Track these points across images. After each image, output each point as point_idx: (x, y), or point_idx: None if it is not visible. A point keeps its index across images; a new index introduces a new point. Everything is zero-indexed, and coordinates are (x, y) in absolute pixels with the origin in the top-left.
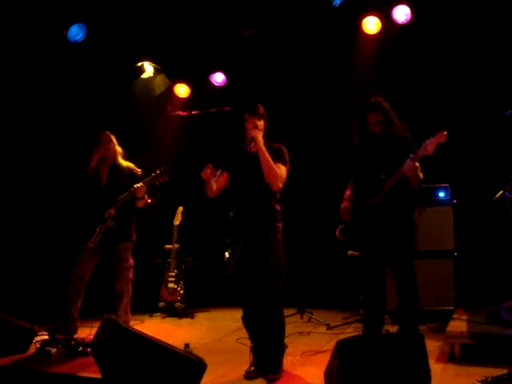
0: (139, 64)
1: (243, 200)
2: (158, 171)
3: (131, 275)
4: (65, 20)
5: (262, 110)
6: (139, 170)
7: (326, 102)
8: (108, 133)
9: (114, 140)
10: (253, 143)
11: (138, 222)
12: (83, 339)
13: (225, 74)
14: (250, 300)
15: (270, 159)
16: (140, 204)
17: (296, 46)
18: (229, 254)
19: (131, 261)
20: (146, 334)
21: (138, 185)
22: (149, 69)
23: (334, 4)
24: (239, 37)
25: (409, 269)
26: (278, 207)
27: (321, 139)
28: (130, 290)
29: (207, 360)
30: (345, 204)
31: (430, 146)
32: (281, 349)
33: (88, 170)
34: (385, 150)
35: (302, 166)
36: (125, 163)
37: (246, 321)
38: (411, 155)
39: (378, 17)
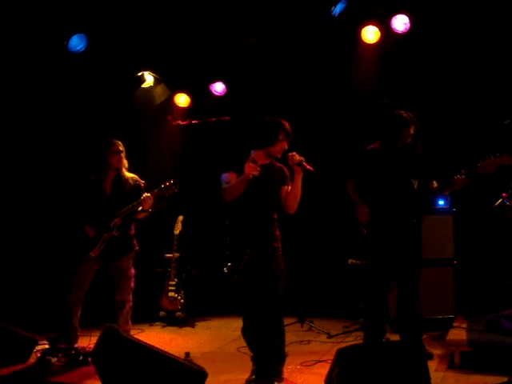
0: (139, 74)
1: (251, 209)
2: (168, 183)
3: (132, 284)
4: (66, 30)
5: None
6: (143, 181)
7: (325, 111)
8: (121, 143)
9: (124, 151)
10: (300, 169)
11: (139, 231)
12: (84, 348)
13: (225, 83)
14: (253, 309)
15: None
16: (140, 216)
17: (296, 56)
18: (231, 265)
19: (132, 270)
20: (146, 343)
21: (147, 194)
22: (149, 78)
23: (333, 14)
24: (239, 46)
25: (416, 279)
26: (276, 216)
27: (320, 149)
28: (131, 300)
29: (208, 369)
30: (365, 207)
31: (490, 166)
32: (282, 357)
33: (90, 178)
34: (409, 161)
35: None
36: (128, 174)
37: (247, 332)
38: (463, 171)
39: (377, 26)
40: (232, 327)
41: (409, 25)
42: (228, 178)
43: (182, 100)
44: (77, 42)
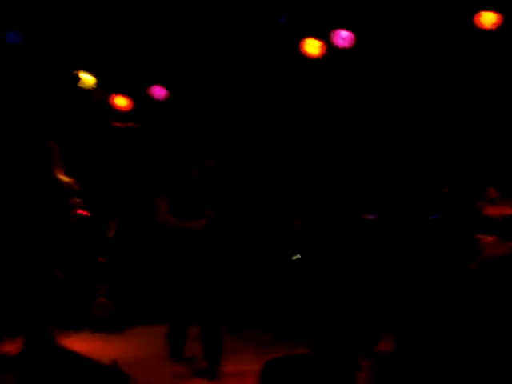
0: (77, 74)
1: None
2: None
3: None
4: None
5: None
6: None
7: (268, 117)
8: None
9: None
10: None
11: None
12: (6, 354)
13: (165, 87)
14: (181, 313)
15: None
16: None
17: (239, 61)
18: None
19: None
20: (71, 349)
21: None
22: (88, 79)
23: (279, 21)
24: (180, 51)
25: None
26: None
27: (260, 155)
28: (53, 304)
29: (135, 376)
30: None
31: None
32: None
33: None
34: None
35: (235, 178)
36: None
37: (172, 336)
38: None
39: (319, 40)
40: (160, 334)
41: (350, 40)
42: (159, 204)
43: (121, 103)
44: (13, 38)
